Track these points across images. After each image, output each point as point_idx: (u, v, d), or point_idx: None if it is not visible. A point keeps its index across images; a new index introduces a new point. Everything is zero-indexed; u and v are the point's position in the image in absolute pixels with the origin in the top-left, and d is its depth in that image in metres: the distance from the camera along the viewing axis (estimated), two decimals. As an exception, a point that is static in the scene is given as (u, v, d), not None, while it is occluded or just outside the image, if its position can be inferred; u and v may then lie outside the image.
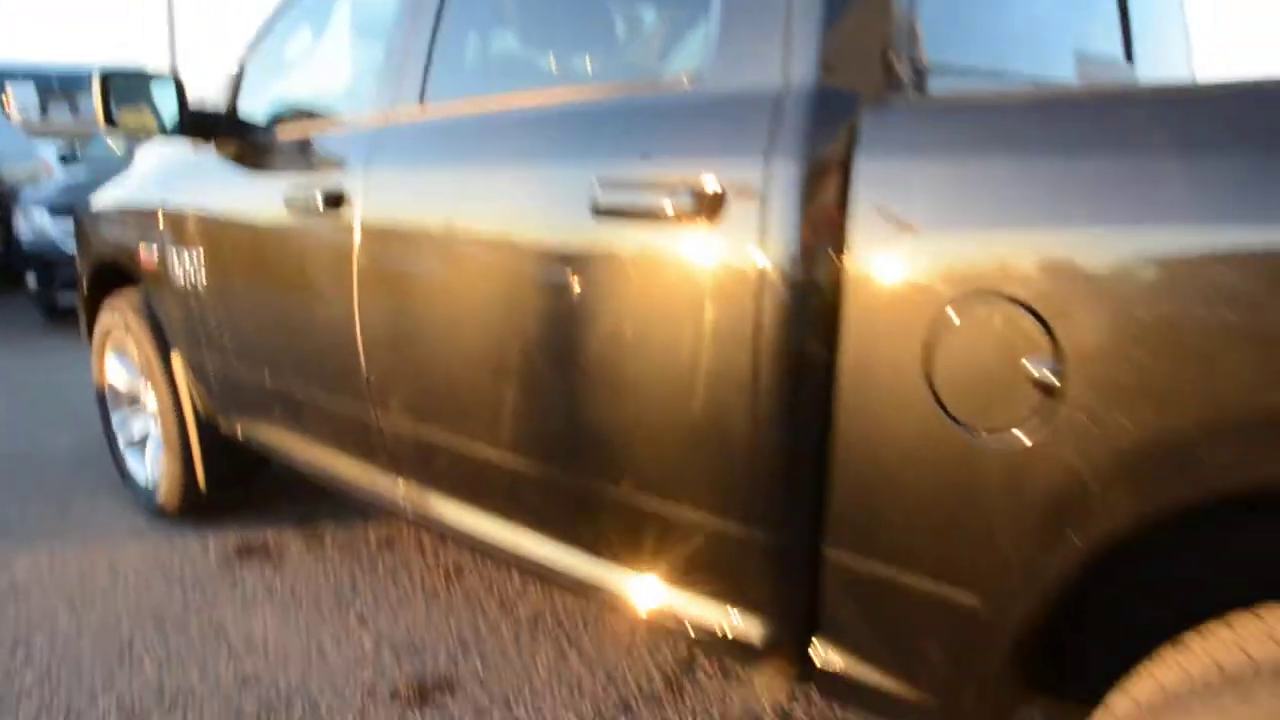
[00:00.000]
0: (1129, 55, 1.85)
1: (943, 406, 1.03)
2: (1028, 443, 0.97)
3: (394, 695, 2.04)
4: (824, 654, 1.28)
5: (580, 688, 2.07)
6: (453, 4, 1.72)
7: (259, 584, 2.57)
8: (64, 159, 7.54)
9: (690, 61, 1.34)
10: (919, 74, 1.20)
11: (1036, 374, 0.95)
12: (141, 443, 3.06)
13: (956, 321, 1.01)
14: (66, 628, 2.34)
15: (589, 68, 1.63)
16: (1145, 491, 0.91)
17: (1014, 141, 0.99)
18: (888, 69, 1.17)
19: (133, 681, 2.10)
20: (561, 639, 2.28)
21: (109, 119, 2.18)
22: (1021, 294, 0.96)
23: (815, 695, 1.97)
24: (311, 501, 3.08)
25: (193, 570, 2.65)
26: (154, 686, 2.08)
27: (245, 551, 2.76)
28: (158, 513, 2.97)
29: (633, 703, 2.02)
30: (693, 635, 1.41)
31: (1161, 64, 1.96)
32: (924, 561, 1.10)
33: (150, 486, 2.97)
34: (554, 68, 1.70)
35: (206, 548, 2.79)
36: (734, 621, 1.36)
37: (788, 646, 1.31)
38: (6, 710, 1.99)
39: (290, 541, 2.84)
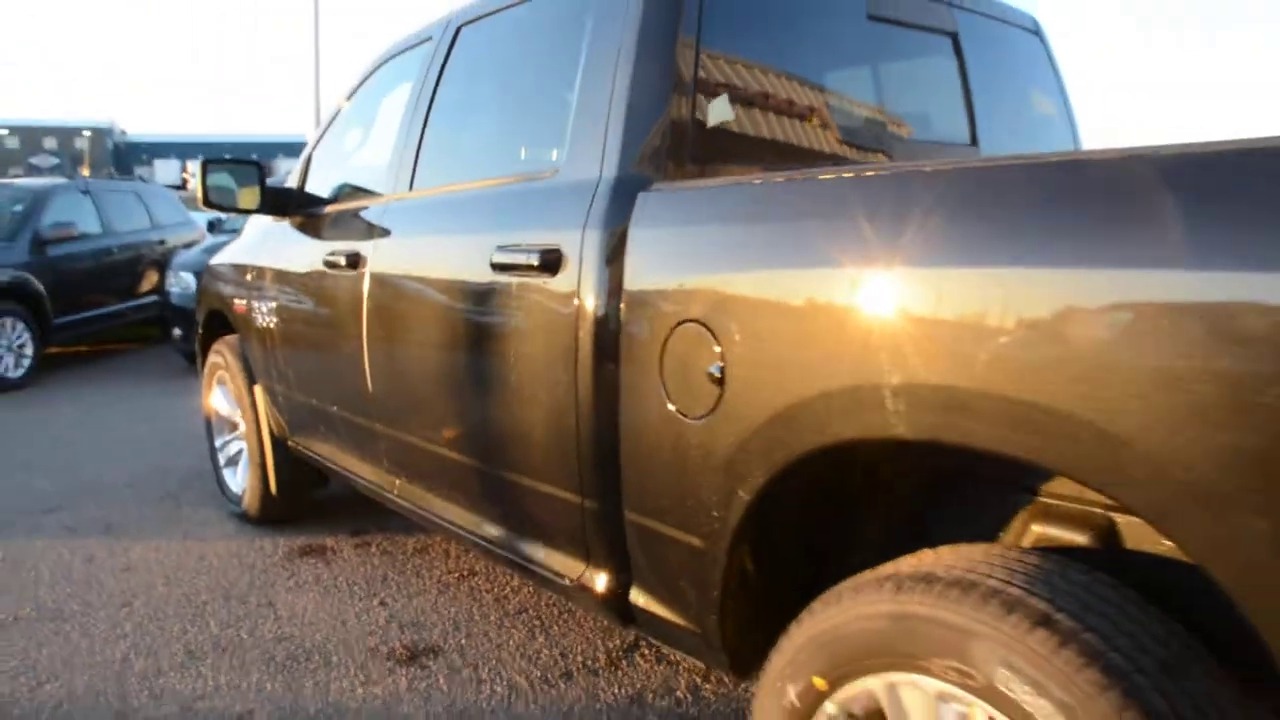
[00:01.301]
0: (974, 139, 2.25)
1: (671, 401, 1.50)
2: (711, 424, 1.43)
3: (390, 656, 2.59)
4: (638, 599, 1.74)
5: (537, 659, 2.56)
6: (432, 121, 2.34)
7: (310, 574, 3.19)
8: (210, 227, 8.82)
9: (554, 162, 1.88)
10: (701, 166, 1.69)
11: (713, 373, 1.42)
12: (235, 461, 3.79)
13: (675, 341, 1.49)
14: (160, 595, 3.02)
15: (500, 166, 2.20)
16: (775, 450, 1.35)
17: (712, 214, 1.48)
18: (671, 165, 1.67)
19: (199, 634, 2.74)
20: (535, 625, 2.77)
21: (206, 199, 2.92)
22: (705, 319, 1.43)
23: (724, 676, 2.38)
24: (366, 516, 3.71)
25: (262, 562, 3.31)
26: (213, 637, 2.71)
27: (306, 551, 3.41)
28: (243, 518, 3.68)
29: (574, 672, 2.48)
30: (559, 586, 1.90)
31: (1020, 143, 2.35)
32: (671, 515, 1.55)
33: (238, 496, 3.68)
34: (483, 164, 2.27)
35: (276, 546, 3.45)
36: (581, 574, 1.83)
37: (616, 593, 1.78)
38: (111, 643, 2.67)
39: (343, 545, 3.47)
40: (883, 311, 1.19)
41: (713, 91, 1.74)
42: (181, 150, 66.11)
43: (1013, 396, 1.06)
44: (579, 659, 2.56)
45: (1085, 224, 1.04)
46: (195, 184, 2.97)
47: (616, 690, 2.40)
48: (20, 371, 6.75)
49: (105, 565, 3.31)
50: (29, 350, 6.84)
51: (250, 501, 3.57)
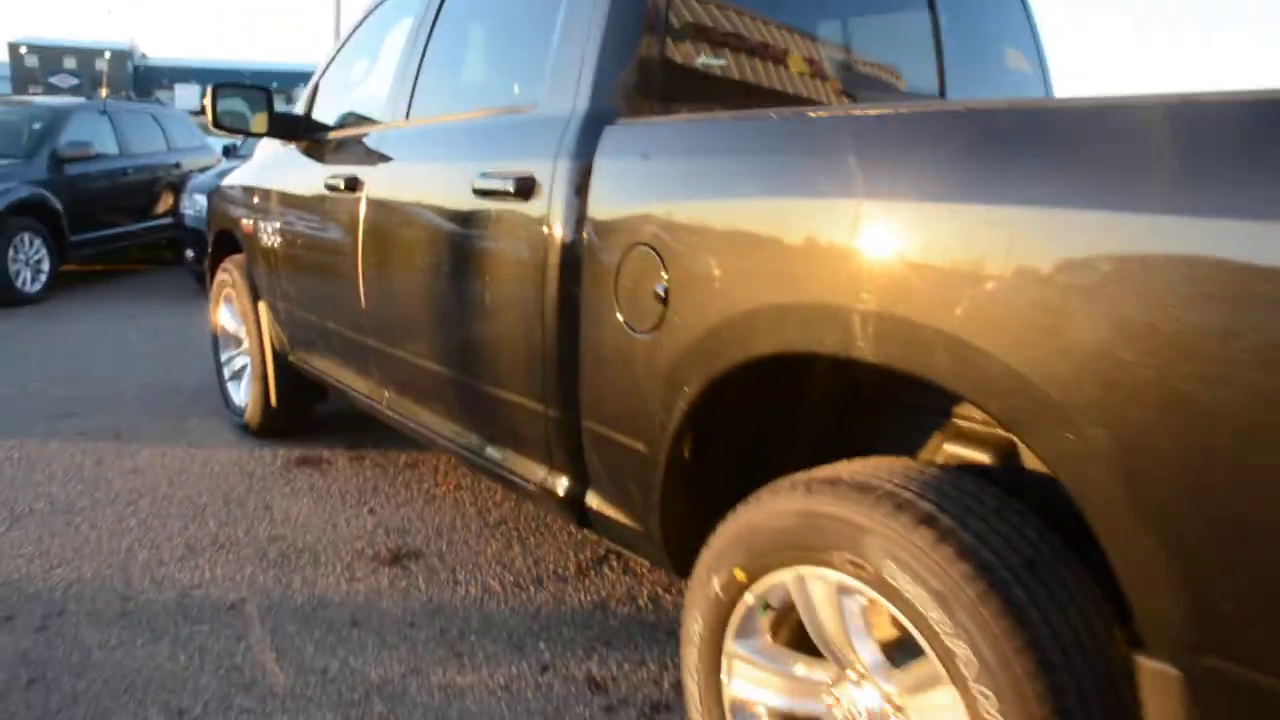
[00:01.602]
0: (942, 91, 2.35)
1: (622, 317, 1.65)
2: (656, 338, 1.58)
3: (374, 557, 2.78)
4: (593, 502, 1.91)
5: (511, 566, 2.75)
6: (429, 53, 2.46)
7: (306, 483, 3.39)
8: (226, 151, 8.94)
9: (535, 96, 2.00)
10: (669, 104, 1.82)
11: (659, 292, 1.56)
12: (238, 375, 3.97)
13: (628, 262, 1.63)
14: (164, 495, 3.23)
15: (488, 98, 2.31)
16: (708, 362, 1.49)
17: (665, 147, 1.61)
18: (640, 102, 1.79)
19: (198, 531, 2.94)
20: (513, 536, 2.96)
21: (215, 122, 3.04)
22: (653, 242, 1.57)
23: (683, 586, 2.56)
24: (363, 431, 3.89)
25: (261, 470, 3.51)
26: (211, 535, 2.92)
27: (303, 461, 3.60)
28: (245, 430, 3.88)
29: (545, 579, 2.67)
30: (526, 490, 2.07)
31: (988, 92, 2.44)
32: (620, 422, 1.71)
33: (241, 409, 3.87)
34: (473, 96, 2.39)
35: (276, 456, 3.65)
36: (544, 479, 2.00)
37: (574, 496, 1.95)
38: (118, 536, 2.88)
39: (338, 457, 3.66)
40: (800, 240, 1.33)
41: (682, 33, 1.86)
42: (202, 76, 65.66)
43: (899, 315, 1.20)
44: (551, 567, 2.75)
45: (951, 165, 1.17)
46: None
47: (583, 596, 2.59)
48: (38, 286, 6.96)
49: (114, 467, 3.51)
50: (46, 266, 7.03)
51: (252, 414, 3.76)
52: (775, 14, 2.04)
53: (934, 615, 1.19)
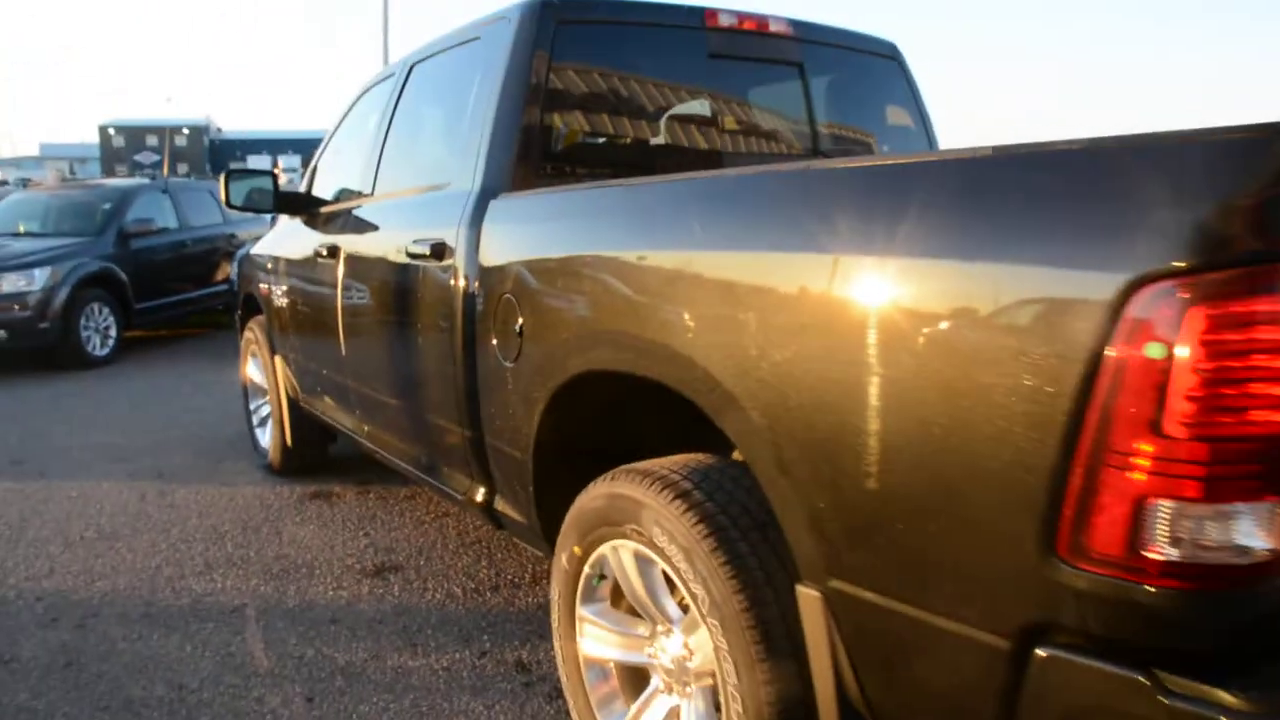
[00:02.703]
0: (815, 149, 2.77)
1: (499, 352, 2.10)
2: (518, 366, 2.02)
3: (361, 571, 3.25)
4: (500, 506, 2.34)
5: (475, 576, 3.18)
6: (388, 140, 2.99)
7: (315, 513, 3.89)
8: (272, 220, 9.76)
9: (449, 176, 2.49)
10: (549, 176, 2.28)
11: (517, 330, 2.01)
12: (264, 422, 4.52)
13: (500, 308, 2.08)
14: (193, 524, 3.77)
15: (423, 178, 2.81)
16: (548, 380, 1.93)
17: (523, 216, 2.07)
18: (521, 181, 2.26)
19: (217, 552, 3.46)
20: (483, 552, 3.40)
21: (229, 202, 3.62)
22: (513, 291, 2.02)
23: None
24: (371, 470, 4.39)
25: (278, 502, 4.03)
26: (227, 555, 3.43)
27: (315, 495, 4.11)
28: (269, 469, 4.41)
29: (502, 586, 3.10)
30: (459, 500, 2.51)
31: (863, 149, 2.85)
32: (506, 435, 2.15)
33: (265, 451, 4.42)
34: (415, 177, 2.89)
35: (293, 491, 4.17)
36: (469, 489, 2.45)
37: (488, 502, 2.38)
38: (149, 557, 3.41)
39: (347, 492, 4.16)
40: (598, 286, 1.77)
41: (560, 122, 2.33)
42: (271, 146, 69.27)
43: (650, 339, 1.63)
44: (509, 577, 3.18)
45: (674, 224, 1.61)
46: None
47: (531, 599, 3.01)
48: (106, 350, 7.74)
49: (154, 502, 4.07)
50: (113, 332, 7.82)
51: (273, 455, 4.30)
52: (643, 104, 2.50)
53: (684, 566, 1.59)
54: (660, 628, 1.81)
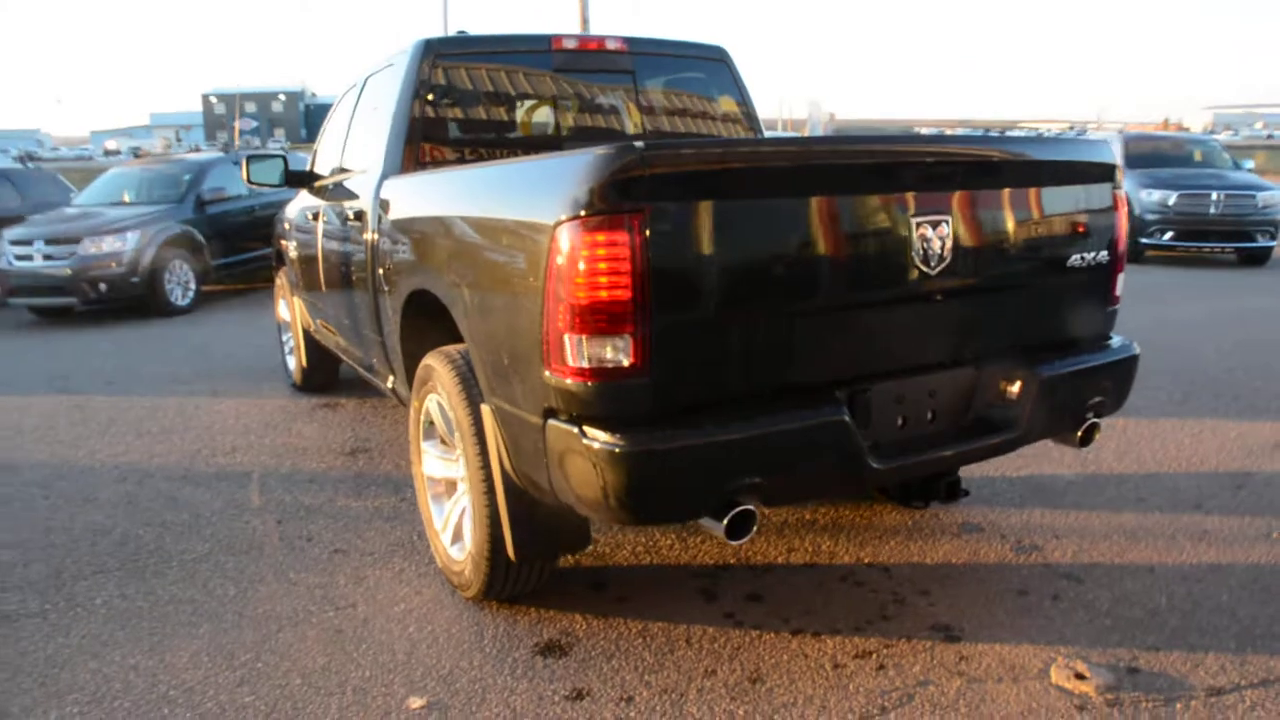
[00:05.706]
0: (643, 134, 3.78)
1: (386, 283, 3.23)
2: (390, 290, 3.15)
3: (340, 451, 4.48)
4: (397, 387, 3.49)
5: (420, 456, 4.36)
6: (350, 132, 4.13)
7: (321, 416, 5.15)
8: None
9: (370, 161, 3.60)
10: (425, 164, 3.39)
11: (389, 267, 3.13)
12: (291, 351, 5.81)
13: (383, 255, 3.21)
14: (230, 424, 5.08)
15: (362, 162, 3.92)
16: (403, 292, 3.05)
17: (401, 190, 3.18)
18: (409, 166, 3.37)
19: (242, 441, 4.74)
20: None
21: (249, 179, 4.83)
22: (389, 242, 3.14)
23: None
24: (370, 389, 5.62)
25: (294, 409, 5.31)
26: (249, 443, 4.70)
27: (324, 405, 5.38)
28: (294, 387, 5.70)
29: (436, 462, 4.27)
30: (385, 391, 3.67)
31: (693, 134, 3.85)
32: (391, 336, 3.29)
33: (291, 374, 5.70)
34: (359, 161, 4.01)
35: (309, 402, 5.45)
36: (389, 380, 3.60)
37: (395, 389, 3.53)
38: (192, 443, 4.72)
39: (349, 403, 5.41)
40: (418, 238, 2.88)
41: (437, 127, 3.43)
42: (363, 110, 71.85)
43: (426, 265, 2.73)
44: (444, 457, 4.35)
45: (449, 197, 2.72)
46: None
47: (453, 470, 4.17)
48: (186, 300, 9.25)
49: (204, 410, 5.40)
50: (192, 285, 9.32)
51: (296, 375, 5.59)
52: (502, 107, 3.56)
53: (449, 404, 2.70)
54: (458, 452, 2.94)
